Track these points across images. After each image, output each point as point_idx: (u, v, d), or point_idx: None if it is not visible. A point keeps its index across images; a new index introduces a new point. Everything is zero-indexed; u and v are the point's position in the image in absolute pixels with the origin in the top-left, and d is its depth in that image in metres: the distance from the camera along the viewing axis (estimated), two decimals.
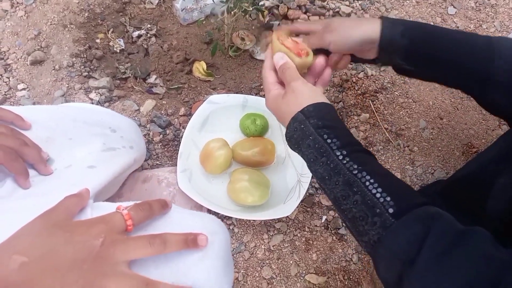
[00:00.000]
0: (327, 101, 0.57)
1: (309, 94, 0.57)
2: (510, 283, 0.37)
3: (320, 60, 0.66)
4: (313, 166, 0.53)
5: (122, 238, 0.42)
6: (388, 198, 0.45)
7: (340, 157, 0.50)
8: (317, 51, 0.67)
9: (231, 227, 0.80)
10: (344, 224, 0.52)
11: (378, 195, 0.46)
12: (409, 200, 0.46)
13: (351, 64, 1.04)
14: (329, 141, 0.51)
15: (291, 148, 0.59)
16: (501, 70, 0.59)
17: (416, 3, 1.19)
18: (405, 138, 0.95)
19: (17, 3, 1.02)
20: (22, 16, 0.99)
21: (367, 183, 0.47)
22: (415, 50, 0.62)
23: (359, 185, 0.47)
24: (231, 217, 0.80)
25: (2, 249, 0.38)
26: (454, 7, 1.19)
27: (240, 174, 0.78)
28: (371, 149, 0.93)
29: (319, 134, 0.52)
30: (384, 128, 0.96)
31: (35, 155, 0.52)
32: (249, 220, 0.80)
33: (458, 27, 1.15)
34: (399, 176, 0.89)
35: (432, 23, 1.14)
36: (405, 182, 0.89)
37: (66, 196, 0.45)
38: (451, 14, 1.18)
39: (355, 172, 0.48)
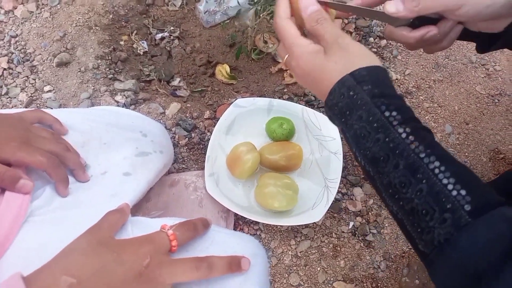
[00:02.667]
0: (382, 65, 0.45)
1: (364, 53, 0.44)
2: None
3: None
4: (363, 143, 0.42)
5: (169, 260, 0.41)
6: (463, 192, 0.37)
7: (404, 135, 0.39)
8: (419, 21, 0.48)
9: (258, 232, 0.79)
10: (392, 216, 0.42)
11: (450, 186, 0.37)
12: (488, 197, 0.37)
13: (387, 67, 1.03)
14: (387, 113, 0.40)
15: (331, 120, 0.46)
16: None
17: None
18: None
19: (43, 4, 1.02)
20: (47, 17, 1.00)
21: (437, 171, 0.38)
22: None
23: (426, 172, 0.38)
24: (258, 222, 0.80)
25: (50, 268, 0.38)
26: None
27: (268, 179, 0.77)
28: None
29: (376, 104, 0.41)
30: None
31: (75, 160, 0.51)
32: (276, 226, 0.80)
33: None
34: None
35: None
36: None
37: (109, 211, 0.45)
38: None
39: (422, 155, 0.38)
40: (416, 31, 0.49)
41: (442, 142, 0.95)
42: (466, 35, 0.51)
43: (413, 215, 0.39)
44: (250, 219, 0.77)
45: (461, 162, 0.43)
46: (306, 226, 0.81)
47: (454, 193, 0.37)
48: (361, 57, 0.44)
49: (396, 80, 1.02)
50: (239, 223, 0.80)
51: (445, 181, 0.37)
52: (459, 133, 0.96)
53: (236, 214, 0.78)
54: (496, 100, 1.02)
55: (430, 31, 0.48)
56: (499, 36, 0.49)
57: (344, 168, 0.88)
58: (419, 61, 1.05)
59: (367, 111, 0.41)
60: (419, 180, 0.38)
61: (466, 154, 0.94)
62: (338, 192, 0.85)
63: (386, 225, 0.84)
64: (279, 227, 0.80)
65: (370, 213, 0.84)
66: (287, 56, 0.49)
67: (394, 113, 0.40)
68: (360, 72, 0.43)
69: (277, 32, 0.48)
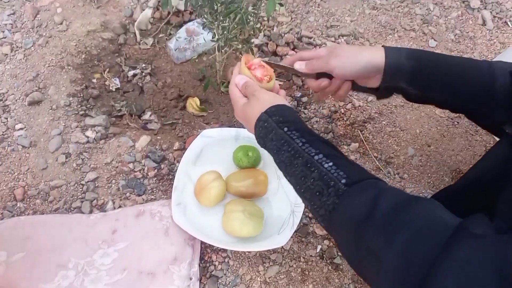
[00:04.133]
0: (288, 104, 0.64)
1: (270, 98, 0.64)
2: (451, 244, 0.40)
3: (276, 85, 0.74)
4: (277, 157, 0.58)
5: None
6: (341, 172, 0.51)
7: (300, 144, 0.56)
8: (320, 75, 0.72)
9: (226, 260, 0.80)
10: (307, 209, 0.59)
11: (332, 170, 0.51)
12: (360, 174, 0.52)
13: (350, 94, 1.08)
14: (289, 132, 0.57)
15: (260, 146, 0.63)
16: (502, 90, 0.63)
17: (398, 37, 1.25)
18: (395, 166, 0.98)
19: (17, 47, 1.06)
20: (21, 59, 1.03)
21: (323, 163, 0.52)
22: (420, 72, 0.66)
23: (316, 165, 0.53)
24: (226, 250, 0.80)
25: None
26: (435, 40, 1.25)
27: (234, 206, 0.79)
28: None
29: (281, 128, 0.58)
30: (374, 156, 0.98)
31: None
32: (244, 252, 0.81)
33: None
34: None
35: None
36: None
37: None
38: (432, 47, 1.24)
39: (312, 154, 0.54)
40: (316, 81, 0.73)
41: (405, 165, 0.98)
42: (362, 88, 0.72)
43: (312, 198, 0.53)
44: (218, 247, 0.78)
45: (354, 162, 0.56)
46: (274, 251, 0.82)
47: (335, 174, 0.51)
48: (271, 100, 0.63)
49: (359, 107, 1.07)
50: (207, 251, 0.80)
51: (328, 168, 0.52)
52: (421, 155, 1.00)
53: (203, 242, 0.78)
54: (456, 122, 1.07)
55: (323, 82, 0.72)
56: (392, 89, 0.70)
57: None
58: None
59: (275, 133, 0.59)
60: (312, 172, 0.53)
61: (429, 174, 0.97)
62: (306, 216, 0.87)
63: None
64: (247, 253, 0.81)
65: None
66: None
67: (294, 131, 0.57)
68: (270, 109, 0.62)
69: (230, 93, 0.71)
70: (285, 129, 0.58)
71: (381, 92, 0.72)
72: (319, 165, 0.52)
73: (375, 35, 1.23)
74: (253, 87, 0.67)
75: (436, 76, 0.67)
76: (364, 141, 1.00)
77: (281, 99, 0.65)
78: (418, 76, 0.67)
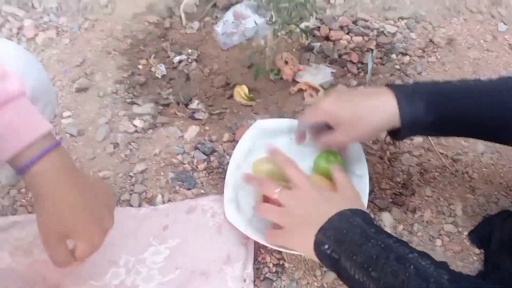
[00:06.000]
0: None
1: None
2: None
3: None
4: (358, 252, 0.51)
5: None
6: (442, 271, 0.47)
7: (390, 241, 0.52)
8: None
9: (280, 262, 0.75)
10: None
11: (431, 268, 0.47)
12: (461, 275, 0.49)
13: None
14: (375, 231, 0.53)
15: (328, 262, 0.56)
16: None
17: (464, 21, 1.13)
18: (463, 164, 0.89)
19: (62, 31, 1.04)
20: (67, 43, 1.01)
21: (420, 260, 0.48)
22: (443, 123, 0.59)
23: (411, 261, 0.48)
24: (281, 251, 0.75)
25: None
26: (505, 23, 1.13)
27: None
28: (427, 175, 0.87)
29: (368, 227, 0.54)
30: (439, 153, 0.90)
31: None
32: (300, 255, 0.75)
33: (510, 44, 1.09)
34: (460, 206, 0.83)
35: (482, 40, 1.09)
36: (467, 211, 0.82)
37: None
38: (501, 31, 1.12)
39: (407, 252, 0.50)
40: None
41: (475, 163, 0.89)
42: None
43: None
44: (272, 248, 0.73)
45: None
46: None
47: (435, 273, 0.47)
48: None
49: None
50: (261, 251, 0.76)
51: (426, 265, 0.48)
52: (492, 153, 0.91)
53: (257, 242, 0.74)
54: None
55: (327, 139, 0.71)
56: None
57: (370, 192, 0.83)
58: (445, 77, 1.01)
59: (361, 230, 0.54)
60: (407, 268, 0.47)
61: (502, 174, 0.88)
62: None
63: None
64: (303, 256, 0.76)
65: None
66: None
67: (382, 232, 0.54)
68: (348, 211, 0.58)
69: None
70: (372, 228, 0.54)
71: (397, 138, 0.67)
72: (415, 261, 0.48)
73: (438, 18, 1.13)
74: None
75: (465, 123, 0.60)
76: (428, 135, 0.92)
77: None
78: (442, 128, 0.61)
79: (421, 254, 0.50)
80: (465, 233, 0.80)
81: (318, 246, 0.56)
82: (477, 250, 0.78)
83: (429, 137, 0.91)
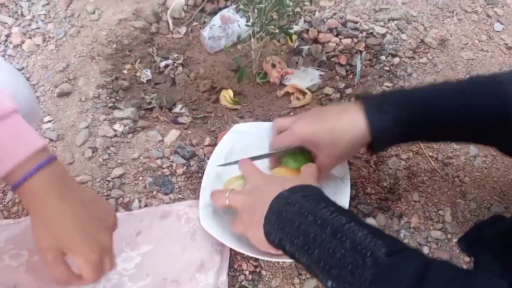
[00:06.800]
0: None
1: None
2: None
3: None
4: (296, 233, 0.50)
5: None
6: (380, 242, 0.45)
7: (328, 213, 0.49)
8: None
9: (257, 269, 0.72)
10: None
11: (368, 239, 0.45)
12: (400, 243, 0.47)
13: None
14: (314, 203, 0.51)
15: (274, 244, 0.56)
16: None
17: (458, 21, 1.10)
18: (454, 168, 0.85)
19: (49, 37, 1.04)
20: (52, 49, 1.01)
21: (356, 231, 0.46)
22: (415, 130, 0.59)
23: (348, 234, 0.46)
24: (258, 258, 0.72)
25: None
26: (501, 23, 1.09)
27: None
28: (415, 180, 0.83)
29: (306, 201, 0.52)
30: (429, 156, 0.86)
31: None
32: (278, 262, 0.72)
33: (507, 44, 1.05)
34: (449, 211, 0.79)
35: (477, 40, 1.05)
36: (458, 217, 0.78)
37: None
38: (497, 31, 1.08)
39: (344, 222, 0.48)
40: None
41: (466, 166, 0.85)
42: None
43: (342, 274, 0.45)
44: (248, 255, 0.70)
45: None
46: None
47: (372, 243, 0.44)
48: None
49: None
50: (237, 258, 0.73)
51: (363, 237, 0.45)
52: (485, 156, 0.87)
53: (232, 249, 0.71)
54: None
55: None
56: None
57: (354, 197, 0.80)
58: (437, 78, 0.98)
59: (299, 206, 0.52)
60: (343, 242, 0.46)
61: (495, 178, 0.84)
62: None
63: None
64: (281, 263, 0.73)
65: None
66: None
67: (320, 202, 0.51)
68: (292, 188, 0.57)
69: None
70: (310, 201, 0.52)
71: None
72: (351, 234, 0.46)
73: (430, 18, 1.10)
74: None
75: (434, 129, 0.59)
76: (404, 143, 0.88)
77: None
78: (412, 136, 0.61)
79: (359, 223, 0.48)
80: (454, 240, 0.76)
81: (267, 237, 0.55)
82: (467, 258, 0.74)
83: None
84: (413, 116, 0.57)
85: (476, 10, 1.11)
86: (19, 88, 0.58)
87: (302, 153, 0.71)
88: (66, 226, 0.48)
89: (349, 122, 0.59)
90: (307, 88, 0.99)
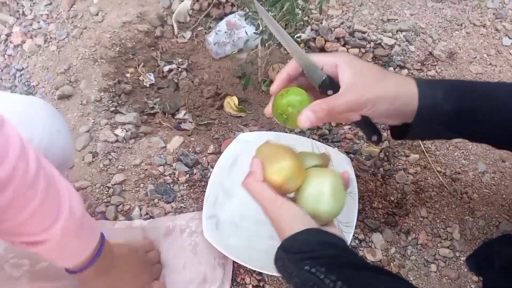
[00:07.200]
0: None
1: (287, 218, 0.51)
2: None
3: None
4: None
5: None
6: None
7: (331, 285, 0.44)
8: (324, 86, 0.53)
9: (261, 283, 0.70)
10: None
11: None
12: None
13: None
14: (313, 270, 0.46)
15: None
16: None
17: (466, 34, 1.09)
18: (462, 183, 0.83)
19: (51, 38, 1.02)
20: (54, 50, 0.98)
21: None
22: (459, 115, 0.52)
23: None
24: (262, 272, 0.70)
25: None
26: (510, 37, 1.08)
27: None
28: (423, 195, 0.81)
29: (302, 266, 0.47)
30: (437, 171, 0.84)
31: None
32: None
33: None
34: (457, 229, 0.77)
35: (485, 55, 1.04)
36: (466, 235, 0.76)
37: None
38: (506, 46, 1.07)
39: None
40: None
41: (475, 182, 0.83)
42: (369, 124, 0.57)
43: None
44: (251, 269, 0.68)
45: None
46: None
47: None
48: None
49: None
50: (240, 271, 0.71)
51: None
52: (494, 172, 0.85)
53: (235, 262, 0.69)
54: None
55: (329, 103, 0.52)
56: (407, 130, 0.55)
57: (361, 211, 0.78)
58: None
59: (297, 274, 0.46)
60: None
61: (504, 196, 0.82)
62: (355, 238, 0.75)
63: (411, 278, 0.72)
64: None
65: (392, 264, 0.73)
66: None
67: (319, 268, 0.45)
68: (286, 241, 0.49)
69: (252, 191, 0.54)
70: (307, 267, 0.46)
71: (401, 134, 0.56)
72: None
73: (439, 31, 1.08)
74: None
75: (484, 120, 0.53)
76: (425, 152, 0.86)
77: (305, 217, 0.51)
78: (457, 121, 0.53)
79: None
80: (463, 258, 0.74)
81: (275, 262, 0.51)
82: (475, 277, 0.72)
83: (427, 154, 0.86)
84: (464, 97, 0.52)
85: (485, 24, 1.10)
86: (58, 142, 0.57)
87: (299, 92, 0.54)
88: None
89: (400, 82, 0.51)
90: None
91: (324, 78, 0.53)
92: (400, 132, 0.57)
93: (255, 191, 0.53)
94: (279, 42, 0.87)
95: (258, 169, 0.53)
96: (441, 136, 0.57)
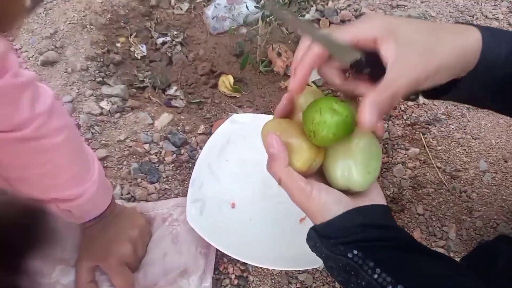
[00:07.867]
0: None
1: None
2: None
3: None
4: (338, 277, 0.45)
5: None
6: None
7: (369, 272, 0.41)
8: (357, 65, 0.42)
9: (244, 274, 0.66)
10: None
11: None
12: None
13: None
14: (350, 255, 0.42)
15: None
16: None
17: None
18: (462, 182, 0.80)
19: None
20: (41, 13, 0.92)
21: None
22: None
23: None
24: (246, 263, 0.66)
25: None
26: None
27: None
28: (420, 191, 0.78)
29: (338, 252, 0.43)
30: (437, 167, 0.80)
31: None
32: (268, 268, 0.66)
33: None
34: (454, 228, 0.74)
35: None
36: (462, 235, 0.73)
37: None
38: None
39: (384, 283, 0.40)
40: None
41: (475, 181, 0.80)
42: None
43: None
44: (236, 258, 0.64)
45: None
46: (304, 271, 0.67)
47: None
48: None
49: (424, 105, 0.88)
50: (223, 260, 0.67)
51: None
52: (495, 172, 0.81)
53: (218, 250, 0.65)
54: None
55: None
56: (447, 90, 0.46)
57: None
58: None
59: (334, 260, 0.43)
60: None
61: (504, 197, 0.79)
62: None
63: None
64: (271, 270, 0.67)
65: None
66: None
67: (357, 252, 0.41)
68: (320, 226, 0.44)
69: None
70: (342, 252, 0.42)
71: (439, 92, 0.46)
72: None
73: (450, 20, 1.03)
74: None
75: None
76: (426, 146, 0.82)
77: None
78: None
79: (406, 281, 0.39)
80: (457, 259, 0.70)
81: (308, 240, 0.46)
82: None
83: (427, 149, 0.82)
84: None
85: (497, 17, 1.05)
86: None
87: (335, 101, 0.44)
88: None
89: (462, 30, 0.42)
90: (312, 81, 0.92)
91: (359, 58, 0.42)
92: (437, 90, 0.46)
93: (286, 178, 0.45)
94: (281, 20, 0.82)
95: (283, 152, 0.45)
96: (483, 104, 0.49)
